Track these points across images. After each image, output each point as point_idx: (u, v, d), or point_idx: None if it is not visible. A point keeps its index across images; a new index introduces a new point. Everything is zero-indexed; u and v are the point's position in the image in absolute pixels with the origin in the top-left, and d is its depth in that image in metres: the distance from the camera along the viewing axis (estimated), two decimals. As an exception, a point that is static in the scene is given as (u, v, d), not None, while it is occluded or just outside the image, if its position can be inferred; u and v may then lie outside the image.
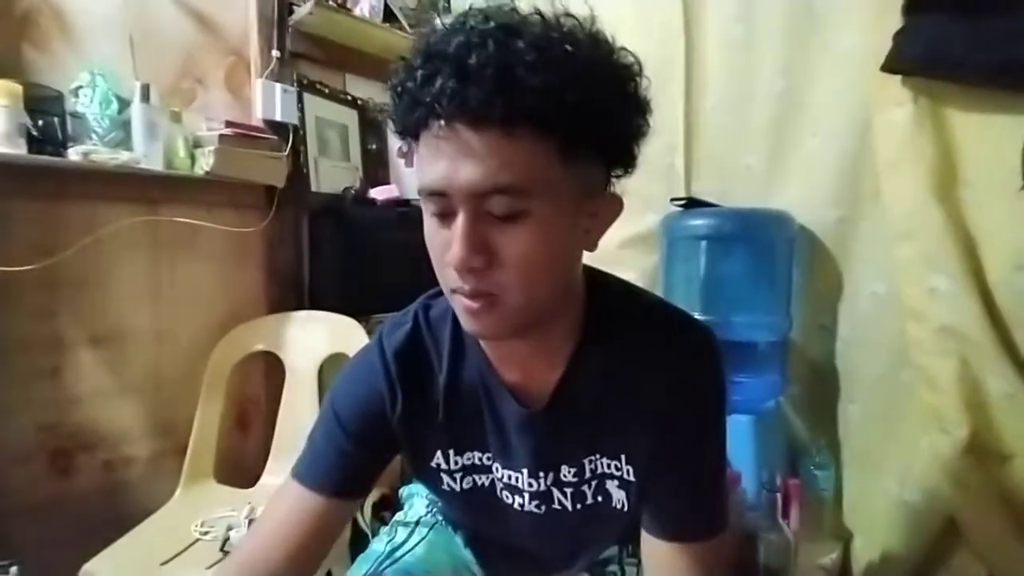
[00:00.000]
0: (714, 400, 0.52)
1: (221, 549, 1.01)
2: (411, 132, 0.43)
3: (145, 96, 1.12)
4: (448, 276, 0.44)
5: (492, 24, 0.39)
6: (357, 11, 1.43)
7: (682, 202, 1.17)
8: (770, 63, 1.16)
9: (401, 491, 0.84)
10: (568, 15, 0.42)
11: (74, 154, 1.02)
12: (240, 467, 1.35)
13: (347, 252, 1.47)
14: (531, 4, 0.44)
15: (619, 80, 0.43)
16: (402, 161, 1.70)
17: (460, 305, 0.45)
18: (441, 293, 0.54)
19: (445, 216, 0.42)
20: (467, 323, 0.45)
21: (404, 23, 1.56)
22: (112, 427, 1.20)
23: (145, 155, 1.11)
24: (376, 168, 1.64)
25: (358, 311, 1.41)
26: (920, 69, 0.83)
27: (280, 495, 0.57)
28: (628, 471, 0.53)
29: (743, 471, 1.06)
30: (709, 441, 0.53)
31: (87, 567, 0.95)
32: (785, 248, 1.11)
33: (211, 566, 0.95)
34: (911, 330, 0.91)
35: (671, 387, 0.50)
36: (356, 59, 1.57)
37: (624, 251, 1.38)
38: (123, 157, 1.06)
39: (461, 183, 0.39)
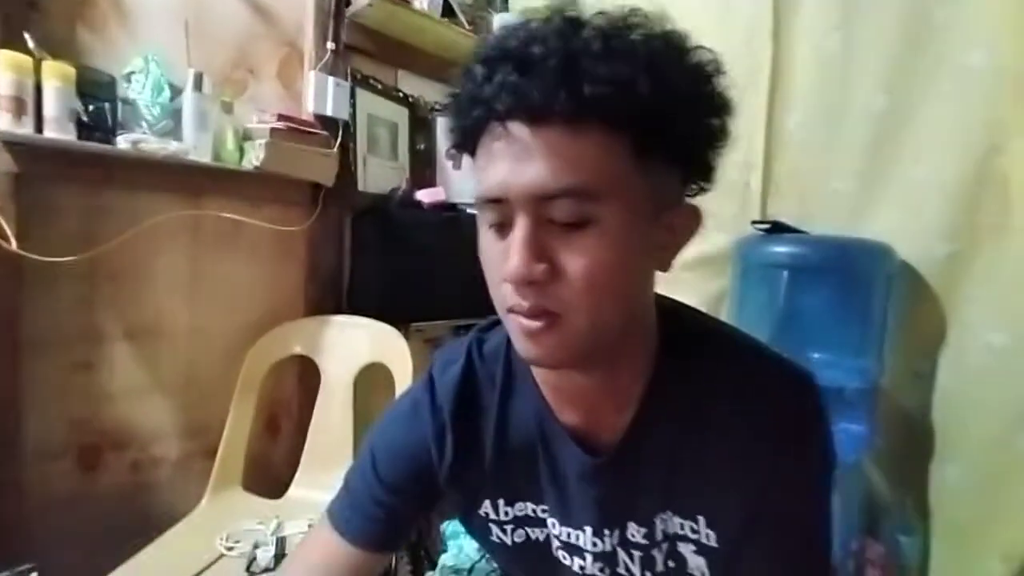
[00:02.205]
0: (818, 464, 0.46)
1: (247, 569, 0.94)
2: (469, 139, 0.40)
3: (198, 85, 1.07)
4: (504, 293, 0.39)
5: (555, 19, 0.37)
6: (416, 4, 1.36)
7: (765, 226, 1.06)
8: (871, 77, 1.04)
9: (443, 527, 0.77)
10: (635, 10, 0.38)
11: (124, 142, 0.97)
12: (268, 474, 1.30)
13: (390, 256, 1.40)
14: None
15: (695, 75, 0.38)
16: (450, 163, 1.62)
17: (516, 327, 0.40)
18: (495, 324, 0.52)
19: (503, 226, 0.39)
20: (524, 347, 0.40)
21: (462, 19, 1.49)
22: (143, 426, 1.15)
23: (195, 146, 1.06)
24: (423, 169, 1.57)
25: (397, 318, 1.35)
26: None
27: (314, 536, 0.55)
28: (708, 535, 0.46)
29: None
30: (813, 511, 0.46)
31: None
32: (882, 284, 0.99)
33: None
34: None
35: (767, 444, 0.43)
36: (410, 55, 1.51)
37: (686, 273, 1.27)
38: (172, 147, 1.01)
39: (522, 186, 0.36)
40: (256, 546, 0.99)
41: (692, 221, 0.43)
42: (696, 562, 0.47)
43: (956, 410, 0.98)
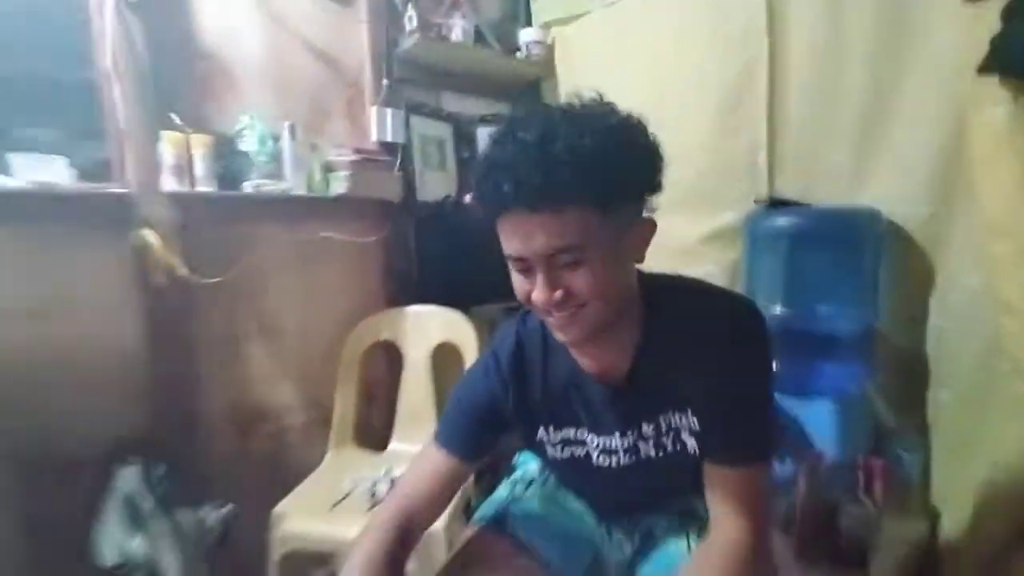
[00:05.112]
0: (759, 359, 0.65)
1: (371, 497, 1.25)
2: (490, 219, 0.59)
3: (293, 134, 1.35)
4: (536, 309, 0.61)
5: (533, 135, 0.53)
6: (452, 36, 1.58)
7: (765, 203, 1.23)
8: (858, 61, 1.18)
9: (515, 458, 1.02)
10: (588, 102, 0.58)
11: (248, 187, 1.27)
12: (372, 434, 1.62)
13: (449, 252, 1.66)
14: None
15: (634, 143, 0.56)
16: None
17: (550, 323, 0.62)
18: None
19: (527, 270, 0.58)
20: (559, 335, 0.62)
21: (492, 40, 1.70)
22: (276, 403, 1.49)
23: (295, 183, 1.34)
24: (469, 175, 1.80)
25: (460, 304, 1.60)
26: (1020, 72, 0.85)
27: (423, 453, 0.76)
28: (694, 421, 0.67)
29: (827, 451, 1.14)
30: (751, 390, 0.65)
31: (277, 508, 1.23)
32: (873, 244, 1.14)
33: (368, 510, 1.20)
34: (1006, 324, 0.94)
35: (721, 352, 0.63)
36: (449, 77, 1.74)
37: (704, 246, 1.45)
38: (282, 186, 1.30)
39: (534, 250, 0.55)
40: (375, 483, 1.29)
41: (649, 229, 0.62)
42: (691, 443, 0.68)
43: (945, 344, 1.14)
